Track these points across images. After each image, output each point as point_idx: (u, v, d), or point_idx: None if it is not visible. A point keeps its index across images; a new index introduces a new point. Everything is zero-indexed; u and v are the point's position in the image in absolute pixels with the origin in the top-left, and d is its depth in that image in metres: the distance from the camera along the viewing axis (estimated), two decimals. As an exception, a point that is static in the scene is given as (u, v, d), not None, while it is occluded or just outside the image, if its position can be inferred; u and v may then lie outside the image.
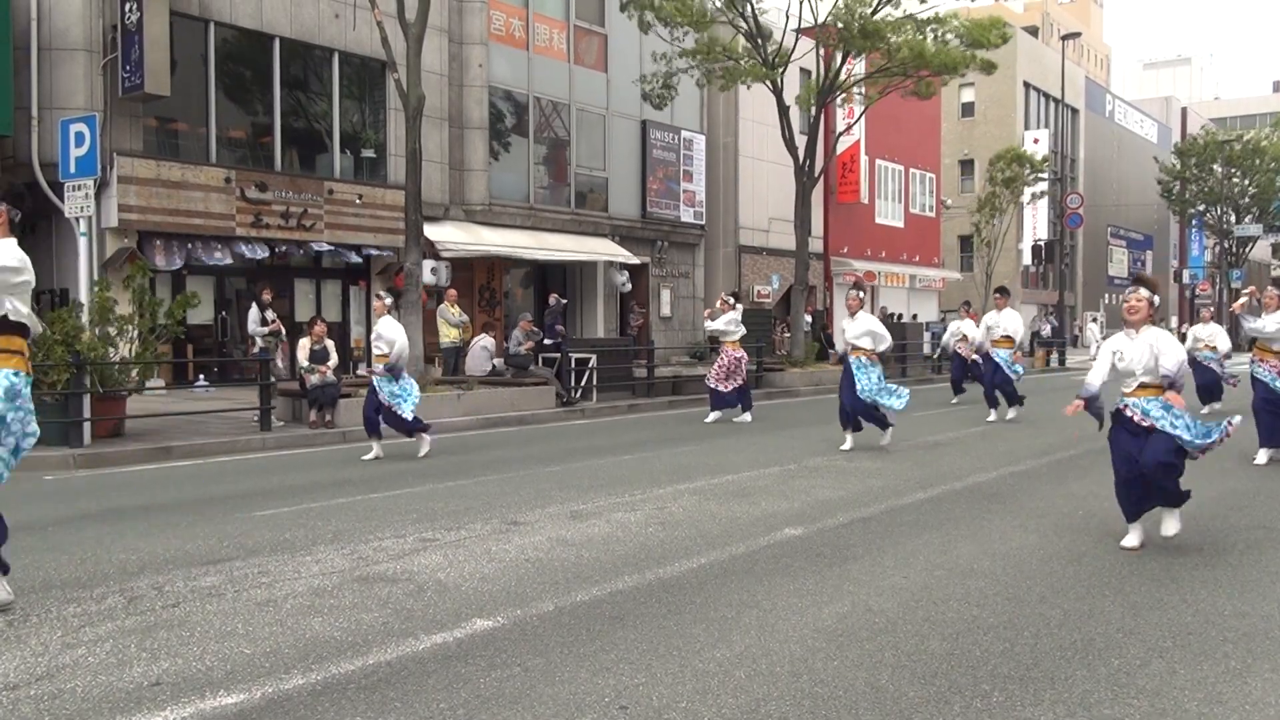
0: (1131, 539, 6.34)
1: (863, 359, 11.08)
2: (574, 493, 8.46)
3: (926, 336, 29.15)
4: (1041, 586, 5.50)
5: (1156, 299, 6.21)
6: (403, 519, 7.34)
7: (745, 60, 22.15)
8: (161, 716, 3.71)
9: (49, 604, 5.14)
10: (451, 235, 21.57)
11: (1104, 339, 6.36)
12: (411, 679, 4.08)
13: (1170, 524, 6.27)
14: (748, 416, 14.72)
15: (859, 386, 10.92)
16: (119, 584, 5.53)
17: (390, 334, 10.69)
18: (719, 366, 14.64)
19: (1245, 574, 5.78)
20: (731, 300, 14.95)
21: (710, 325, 14.77)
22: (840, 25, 21.75)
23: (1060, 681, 4.09)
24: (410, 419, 10.66)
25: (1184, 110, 70.31)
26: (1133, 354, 6.15)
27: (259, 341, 14.88)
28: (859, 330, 11.10)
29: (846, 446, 11.04)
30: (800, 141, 23.33)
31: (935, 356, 25.14)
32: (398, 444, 11.34)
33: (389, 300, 11.09)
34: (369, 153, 21.20)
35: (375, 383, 10.75)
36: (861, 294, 11.25)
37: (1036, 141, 46.45)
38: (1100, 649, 4.49)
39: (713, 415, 14.68)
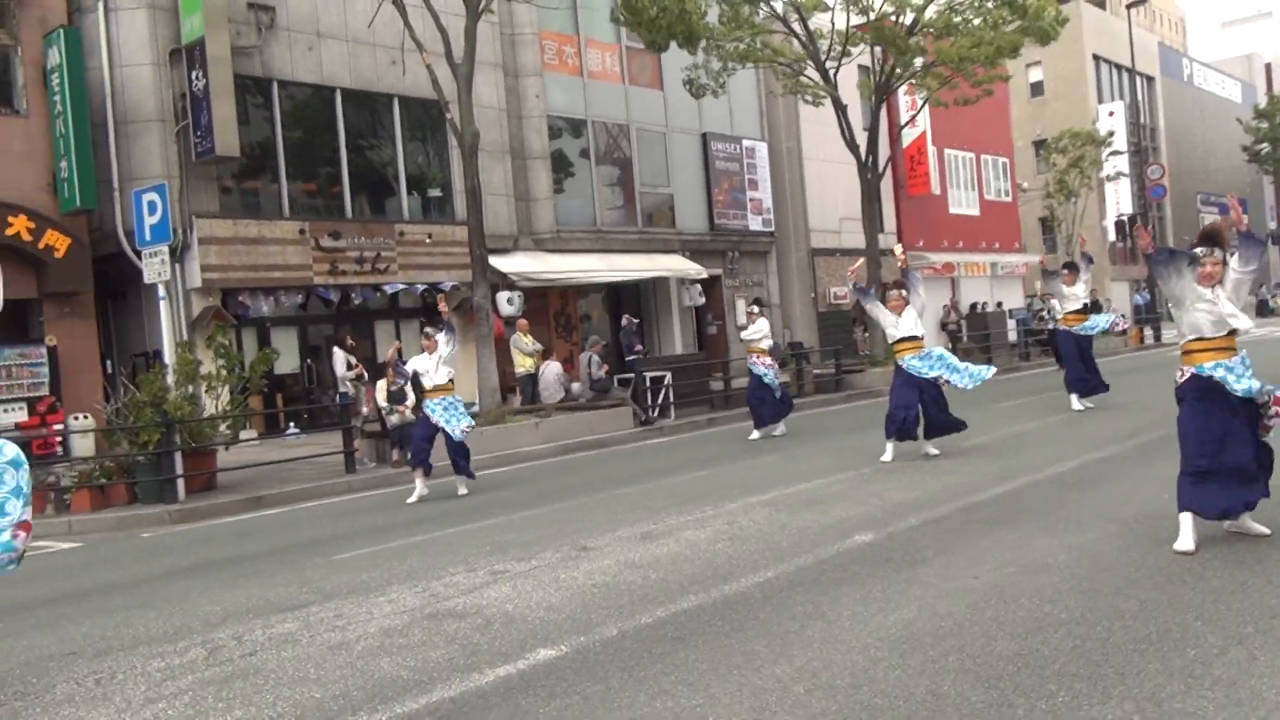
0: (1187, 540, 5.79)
1: (919, 354, 10.36)
2: (645, 513, 8.48)
3: (1011, 325, 28.53)
4: (1118, 578, 5.34)
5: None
6: (476, 552, 7.44)
7: (799, 63, 22.02)
8: (232, 765, 3.83)
9: (135, 660, 5.34)
10: (522, 265, 21.83)
11: None
12: (474, 713, 4.14)
13: None
14: (781, 428, 14.28)
15: (921, 375, 10.16)
16: (202, 635, 5.73)
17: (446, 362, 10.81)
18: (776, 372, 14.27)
19: (1338, 550, 5.52)
20: (756, 309, 14.65)
21: (746, 336, 14.28)
22: (896, 22, 21.53)
23: (1131, 676, 3.96)
24: (462, 444, 10.79)
25: (1268, 66, 67.66)
26: None
27: (347, 386, 15.20)
28: (909, 328, 10.41)
29: (887, 458, 10.24)
30: (862, 139, 23.07)
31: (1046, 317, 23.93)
32: (479, 479, 11.44)
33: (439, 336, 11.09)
34: (435, 192, 21.60)
35: (430, 413, 10.72)
36: (904, 292, 10.54)
37: (1111, 114, 45.15)
38: (1176, 639, 4.34)
39: (779, 429, 14.24)
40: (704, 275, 25.86)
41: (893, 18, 21.71)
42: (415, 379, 11.05)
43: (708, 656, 4.60)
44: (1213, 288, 5.78)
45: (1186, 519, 5.77)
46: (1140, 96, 48.87)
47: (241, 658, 5.20)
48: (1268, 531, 5.90)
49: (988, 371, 10.41)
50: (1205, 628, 4.46)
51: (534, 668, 4.65)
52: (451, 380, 10.84)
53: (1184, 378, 5.90)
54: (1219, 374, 5.70)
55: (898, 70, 22.79)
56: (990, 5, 21.49)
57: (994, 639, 4.51)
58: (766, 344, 14.14)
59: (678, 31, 18.75)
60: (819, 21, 22.61)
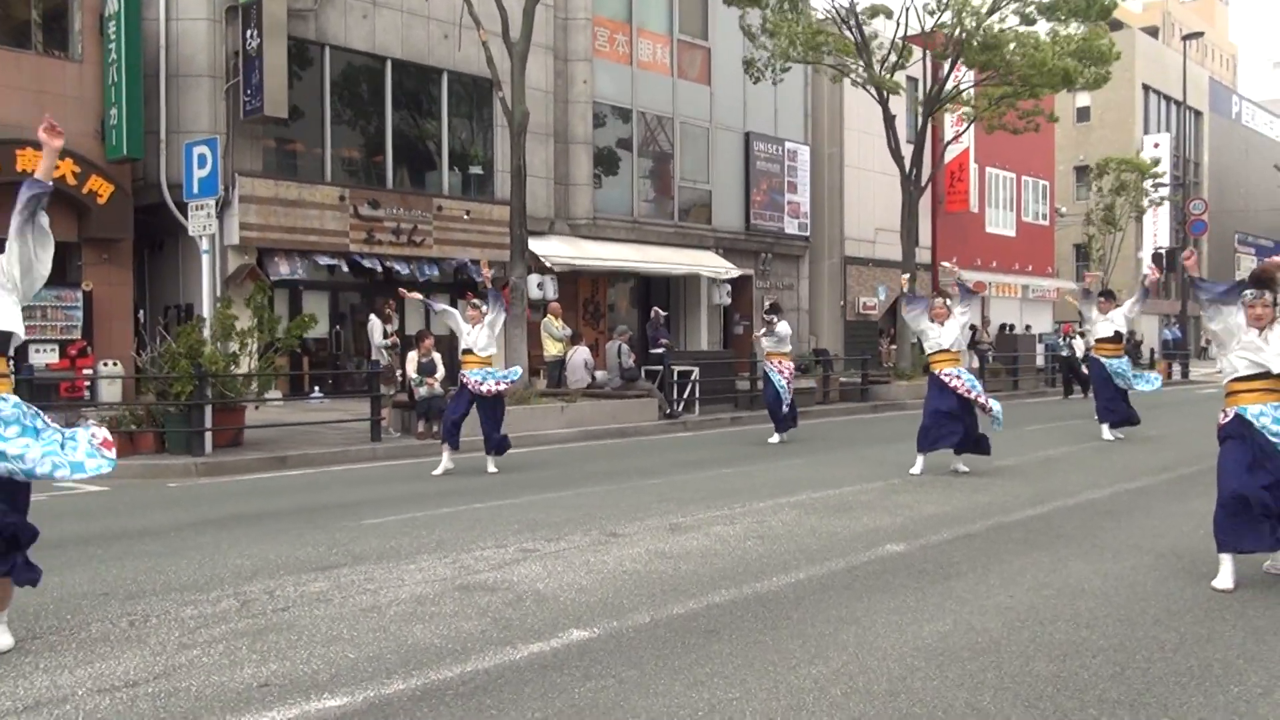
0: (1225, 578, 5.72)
1: (952, 369, 10.22)
2: (673, 505, 8.46)
3: (1040, 349, 28.36)
4: (1156, 608, 5.29)
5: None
6: (504, 529, 7.45)
7: (853, 62, 21.89)
8: (269, 717, 3.83)
9: (168, 606, 5.37)
10: (557, 249, 21.86)
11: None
12: (508, 687, 4.14)
13: None
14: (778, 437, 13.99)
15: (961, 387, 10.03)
16: (233, 588, 5.75)
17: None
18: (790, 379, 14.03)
19: (1381, 599, 5.45)
20: (776, 317, 13.92)
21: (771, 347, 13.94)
22: (956, 35, 21.36)
23: (1174, 709, 3.92)
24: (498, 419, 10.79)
25: (1318, 110, 66.89)
26: None
27: (383, 354, 15.25)
28: (951, 338, 10.33)
29: (916, 470, 10.20)
30: (907, 151, 22.97)
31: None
32: (506, 457, 11.38)
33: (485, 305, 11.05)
34: (476, 169, 21.63)
35: (475, 381, 10.62)
36: (948, 302, 10.48)
37: (1156, 146, 44.82)
38: (1218, 675, 4.29)
39: (776, 437, 13.95)
40: (737, 274, 25.81)
41: (951, 28, 21.57)
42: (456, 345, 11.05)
43: (741, 651, 4.58)
44: (1262, 331, 5.70)
45: (1226, 557, 5.71)
46: (1187, 130, 48.44)
47: (274, 612, 5.22)
48: None
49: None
50: (1248, 666, 4.41)
51: (567, 647, 4.64)
52: (490, 357, 10.85)
53: (1227, 419, 5.82)
54: (1261, 422, 5.62)
55: (949, 85, 22.66)
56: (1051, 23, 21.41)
57: (1032, 659, 4.48)
58: (786, 348, 14.00)
59: None
60: (874, 28, 22.50)
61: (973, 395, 10.06)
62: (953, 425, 10.02)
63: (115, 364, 16.25)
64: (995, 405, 10.28)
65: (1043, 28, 22.02)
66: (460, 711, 3.88)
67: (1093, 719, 3.81)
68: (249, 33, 17.37)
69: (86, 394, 15.63)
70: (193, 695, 4.05)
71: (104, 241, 17.07)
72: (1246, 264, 55.77)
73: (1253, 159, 56.48)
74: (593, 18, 23.10)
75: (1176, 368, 32.17)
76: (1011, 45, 21.29)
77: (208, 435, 11.76)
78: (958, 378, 10.12)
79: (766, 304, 14.02)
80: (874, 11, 21.61)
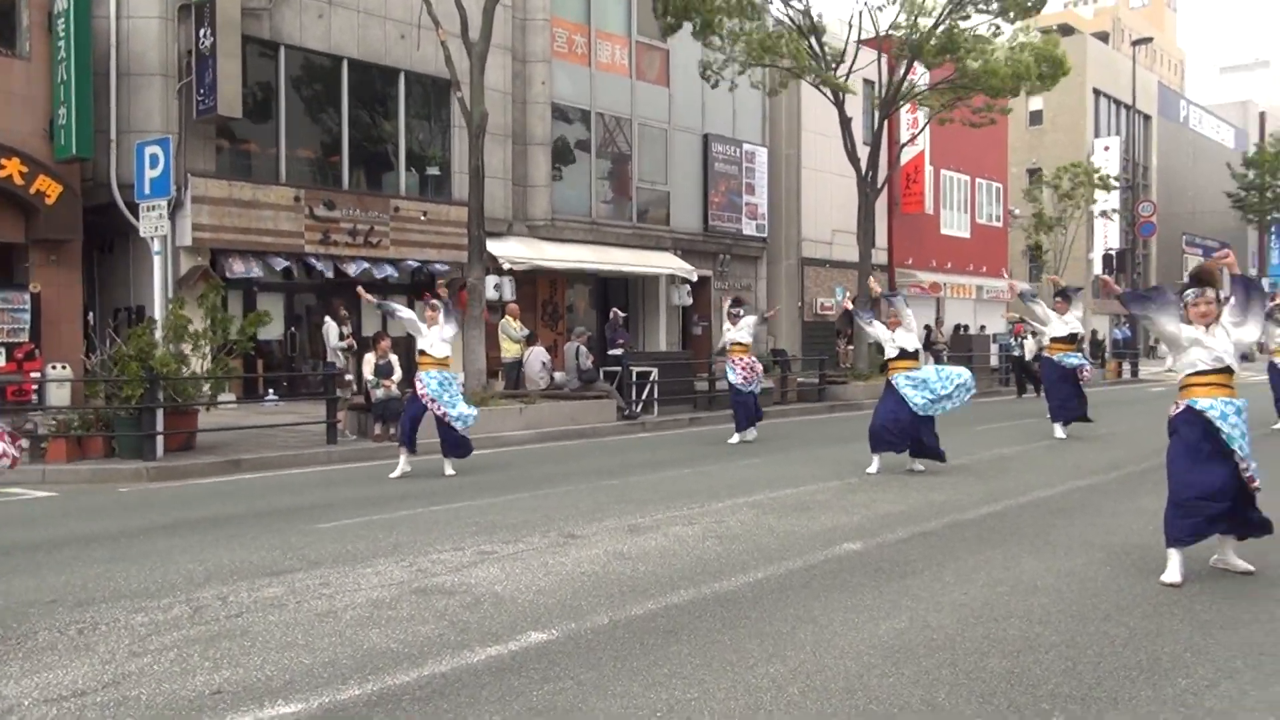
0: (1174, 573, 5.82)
1: (909, 374, 10.35)
2: (632, 506, 8.47)
3: (994, 349, 28.69)
4: (1107, 604, 5.37)
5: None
6: (462, 531, 7.41)
7: (807, 61, 22.01)
8: (221, 724, 3.79)
9: (117, 613, 5.28)
10: (515, 250, 21.77)
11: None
12: (465, 691, 4.12)
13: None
14: (752, 433, 14.06)
15: (914, 404, 10.16)
16: (185, 594, 5.66)
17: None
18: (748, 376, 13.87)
19: (1323, 593, 5.58)
20: (741, 311, 14.05)
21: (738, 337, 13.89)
22: (910, 37, 21.57)
23: (1124, 702, 3.99)
24: (462, 432, 10.68)
25: (1262, 115, 68.37)
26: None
27: (338, 356, 15.10)
28: (903, 342, 10.49)
29: (872, 470, 10.36)
30: (863, 153, 23.15)
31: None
32: (467, 461, 11.31)
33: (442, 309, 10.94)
34: (434, 170, 21.49)
35: (429, 390, 10.49)
36: (895, 310, 10.66)
37: (1107, 149, 45.51)
38: (1167, 669, 4.37)
39: (751, 434, 14.00)
40: (695, 275, 25.87)
41: (905, 31, 21.79)
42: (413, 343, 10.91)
43: (700, 651, 4.59)
44: (1208, 328, 5.83)
45: (1174, 552, 5.81)
46: (1136, 134, 49.28)
47: (227, 618, 5.15)
48: (1252, 569, 5.96)
49: (946, 398, 10.27)
50: (1195, 659, 4.49)
51: (525, 650, 4.63)
52: (447, 358, 10.79)
53: (1177, 410, 5.93)
54: (1211, 414, 5.73)
55: (905, 85, 22.87)
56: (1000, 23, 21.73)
57: (986, 655, 4.53)
58: (746, 340, 13.92)
59: (694, 5, 18.99)
60: (829, 36, 22.68)
61: (920, 413, 10.16)
62: (903, 433, 10.14)
63: (64, 367, 15.96)
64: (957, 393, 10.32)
65: (990, 24, 22.29)
66: (417, 716, 3.85)
67: (1045, 713, 3.87)
68: (202, 31, 17.13)
69: (34, 398, 15.34)
70: (143, 704, 3.98)
71: (52, 243, 16.74)
72: (1193, 264, 56.74)
73: (1199, 163, 57.56)
74: (551, 19, 23.04)
75: (1126, 366, 32.69)
76: (965, 50, 21.53)
77: (159, 439, 11.57)
78: (911, 388, 10.21)
79: (730, 300, 14.03)
80: (813, 28, 21.70)
